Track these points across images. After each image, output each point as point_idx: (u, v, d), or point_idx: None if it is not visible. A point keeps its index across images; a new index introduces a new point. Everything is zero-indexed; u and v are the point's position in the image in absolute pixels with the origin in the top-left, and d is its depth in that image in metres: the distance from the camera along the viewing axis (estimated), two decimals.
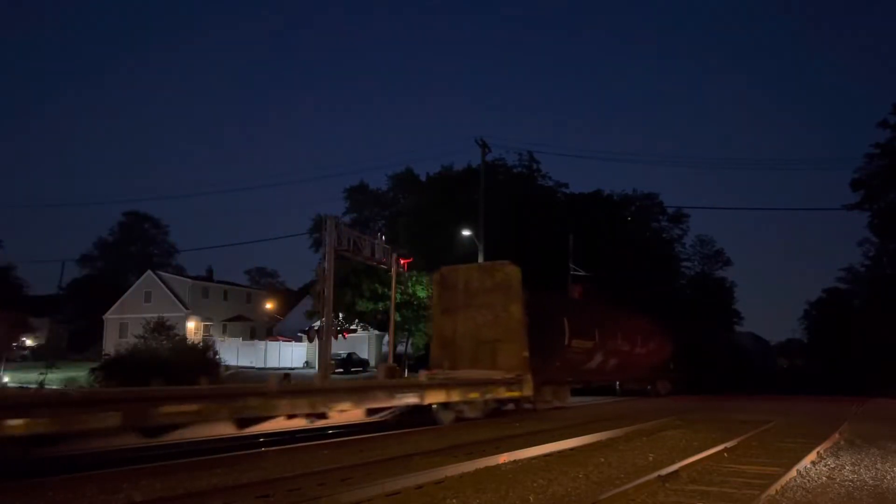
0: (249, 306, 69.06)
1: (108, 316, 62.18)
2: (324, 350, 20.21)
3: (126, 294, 63.18)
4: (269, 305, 69.05)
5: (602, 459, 10.78)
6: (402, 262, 24.10)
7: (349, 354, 48.85)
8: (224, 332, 61.76)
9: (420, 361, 36.08)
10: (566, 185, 55.84)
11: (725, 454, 11.25)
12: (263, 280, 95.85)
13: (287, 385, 13.29)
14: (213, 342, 41.36)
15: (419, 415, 16.08)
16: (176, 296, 61.90)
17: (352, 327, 41.64)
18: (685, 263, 71.08)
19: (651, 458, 10.95)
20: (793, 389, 38.02)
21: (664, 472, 8.84)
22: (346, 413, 13.92)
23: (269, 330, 66.14)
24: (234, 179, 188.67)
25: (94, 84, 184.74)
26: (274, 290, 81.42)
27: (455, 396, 16.42)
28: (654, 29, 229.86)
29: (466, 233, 34.55)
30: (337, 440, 13.02)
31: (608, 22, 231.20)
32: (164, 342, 35.24)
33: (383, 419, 15.97)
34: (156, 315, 41.20)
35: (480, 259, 32.11)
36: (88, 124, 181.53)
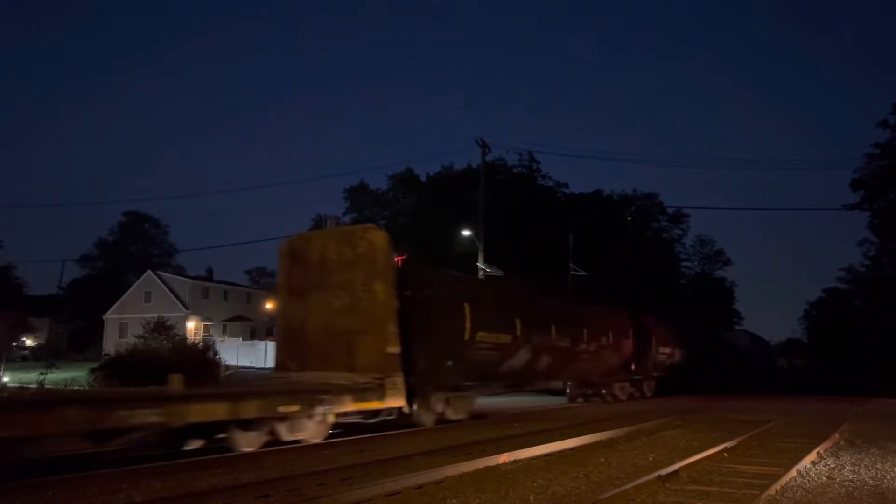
0: (249, 306, 69.04)
1: (108, 316, 62.22)
2: None
3: (126, 294, 63.19)
4: (269, 305, 69.00)
5: (602, 459, 10.78)
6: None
7: None
8: (224, 332, 61.73)
9: None
10: (566, 185, 56.05)
11: (725, 454, 11.25)
12: (263, 280, 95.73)
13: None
14: (213, 342, 41.34)
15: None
16: (176, 296, 61.92)
17: None
18: (685, 263, 71.32)
19: (651, 458, 10.96)
20: (793, 389, 38.00)
21: (664, 472, 8.84)
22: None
23: (269, 330, 66.05)
24: (234, 179, 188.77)
25: (94, 84, 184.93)
26: (274, 290, 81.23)
27: (249, 411, 11.32)
28: (654, 29, 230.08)
29: (466, 233, 34.54)
30: (337, 440, 13.02)
31: (608, 22, 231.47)
32: (164, 342, 35.23)
33: (119, 447, 10.40)
34: (156, 315, 41.19)
35: (480, 260, 32.00)
36: (88, 124, 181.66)
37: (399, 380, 14.58)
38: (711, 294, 68.06)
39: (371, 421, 14.67)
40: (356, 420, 14.44)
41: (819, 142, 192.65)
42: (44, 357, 48.43)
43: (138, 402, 9.96)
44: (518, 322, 18.96)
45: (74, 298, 72.07)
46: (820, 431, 14.46)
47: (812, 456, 10.97)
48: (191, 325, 57.10)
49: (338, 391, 13.24)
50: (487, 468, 9.58)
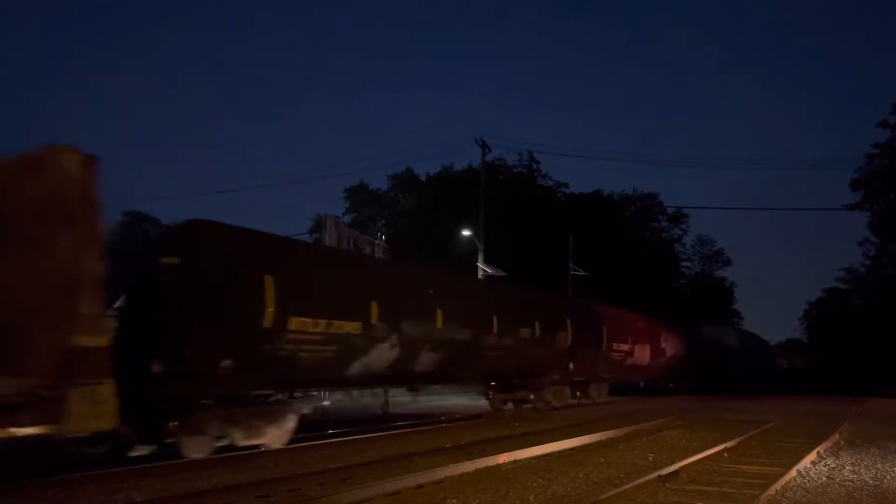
0: None
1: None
2: None
3: None
4: None
5: (602, 459, 10.79)
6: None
7: None
8: None
9: None
10: (566, 185, 56.06)
11: (725, 454, 11.26)
12: None
13: None
14: None
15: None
16: None
17: None
18: (685, 263, 71.32)
19: (651, 458, 10.97)
20: (793, 389, 38.01)
21: (664, 472, 8.85)
22: None
23: None
24: (234, 180, 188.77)
25: (94, 84, 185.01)
26: None
27: None
28: (654, 29, 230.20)
29: (466, 233, 34.55)
30: (337, 440, 13.03)
31: (609, 21, 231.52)
32: None
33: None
34: None
35: (480, 260, 31.97)
36: (88, 124, 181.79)
37: (104, 389, 8.98)
38: (711, 294, 68.14)
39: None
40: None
41: (819, 142, 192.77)
42: None
43: None
44: (375, 305, 13.71)
45: None
46: (820, 431, 14.47)
47: (812, 456, 10.98)
48: None
49: None
50: (487, 468, 9.59)
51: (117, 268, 10.13)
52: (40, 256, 9.18)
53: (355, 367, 13.63)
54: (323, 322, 12.58)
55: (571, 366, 22.24)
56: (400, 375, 15.52)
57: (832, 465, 10.43)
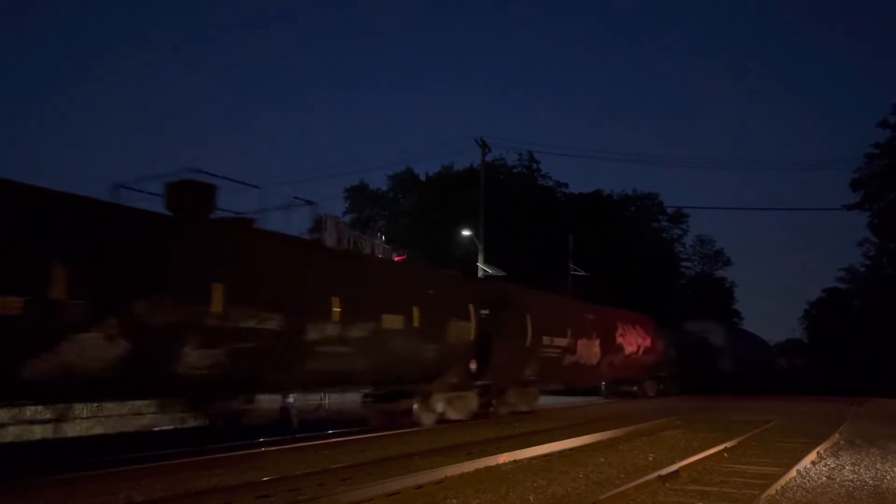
0: None
1: None
2: None
3: None
4: None
5: (602, 459, 10.79)
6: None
7: None
8: None
9: None
10: (566, 185, 56.01)
11: (725, 454, 11.27)
12: None
13: None
14: None
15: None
16: None
17: None
18: (685, 263, 71.23)
19: (651, 458, 10.97)
20: (793, 389, 38.02)
21: (664, 472, 8.86)
22: None
23: None
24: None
25: (94, 83, 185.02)
26: None
27: None
28: (654, 29, 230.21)
29: (466, 233, 34.53)
30: (337, 440, 13.03)
31: (609, 21, 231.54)
32: None
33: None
34: None
35: (481, 260, 31.96)
36: (88, 124, 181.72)
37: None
38: (711, 294, 68.08)
39: None
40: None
41: (819, 142, 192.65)
42: None
43: None
44: (60, 272, 8.53)
45: None
46: (820, 431, 14.48)
47: (812, 456, 10.98)
48: None
49: None
50: (487, 468, 9.59)
51: None
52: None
53: (29, 367, 8.38)
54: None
55: (473, 366, 17.08)
56: (139, 381, 10.12)
57: (832, 465, 10.44)
